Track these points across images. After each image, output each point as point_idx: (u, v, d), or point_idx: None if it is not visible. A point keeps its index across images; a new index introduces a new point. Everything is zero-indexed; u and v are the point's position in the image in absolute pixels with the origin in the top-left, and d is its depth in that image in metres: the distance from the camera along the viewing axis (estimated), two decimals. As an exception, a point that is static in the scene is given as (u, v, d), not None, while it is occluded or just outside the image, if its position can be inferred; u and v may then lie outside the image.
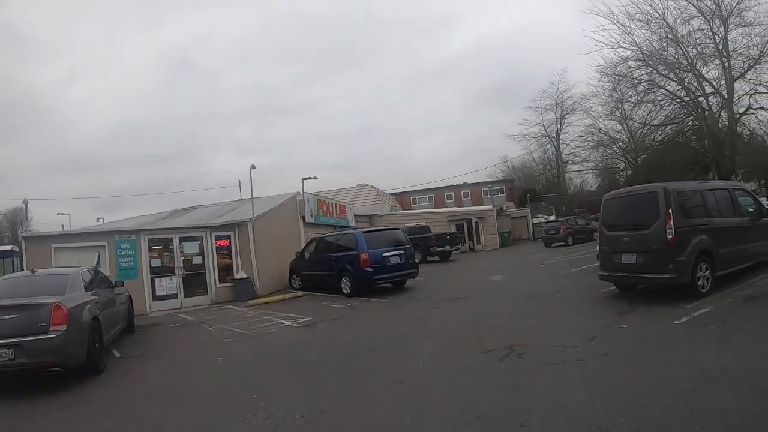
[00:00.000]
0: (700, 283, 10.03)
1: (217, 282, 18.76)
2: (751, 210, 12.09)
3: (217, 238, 19.10)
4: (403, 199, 66.38)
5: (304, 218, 24.45)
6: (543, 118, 63.97)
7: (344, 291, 16.38)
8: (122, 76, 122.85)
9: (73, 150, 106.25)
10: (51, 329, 7.83)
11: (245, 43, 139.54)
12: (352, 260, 16.13)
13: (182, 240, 18.62)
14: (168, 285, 17.92)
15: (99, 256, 17.25)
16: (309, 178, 25.04)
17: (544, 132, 64.59)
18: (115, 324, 11.19)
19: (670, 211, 9.93)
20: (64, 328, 7.92)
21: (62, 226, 33.93)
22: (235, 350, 10.00)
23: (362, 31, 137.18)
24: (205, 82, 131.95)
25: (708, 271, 10.19)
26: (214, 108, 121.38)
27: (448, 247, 30.59)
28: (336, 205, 29.89)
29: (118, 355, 10.53)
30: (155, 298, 17.70)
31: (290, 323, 12.26)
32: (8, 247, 28.53)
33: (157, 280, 17.80)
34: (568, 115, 62.45)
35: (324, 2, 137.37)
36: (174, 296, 17.98)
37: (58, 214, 36.66)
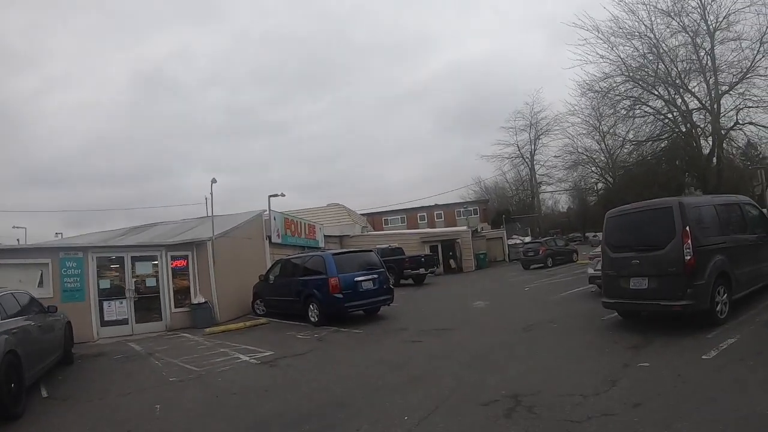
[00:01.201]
0: (718, 308, 9.05)
1: (173, 307, 17.18)
2: (758, 226, 11.18)
3: (174, 258, 17.56)
4: (374, 219, 65.21)
5: (270, 238, 22.94)
6: (517, 138, 64.18)
7: (311, 319, 15.00)
8: (97, 90, 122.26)
9: (42, 163, 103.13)
10: None
11: (220, 62, 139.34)
12: (320, 285, 14.74)
13: (135, 259, 17.05)
14: (118, 309, 16.33)
15: (42, 274, 15.69)
16: (276, 195, 23.71)
17: (518, 152, 64.74)
18: (46, 356, 9.78)
19: (687, 228, 8.87)
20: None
21: (17, 240, 32.14)
22: (178, 395, 8.52)
23: (336, 53, 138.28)
24: (179, 99, 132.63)
25: (725, 295, 9.22)
26: (187, 126, 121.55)
27: (422, 270, 29.28)
28: (305, 224, 28.36)
29: (44, 394, 9.14)
30: (104, 323, 16.13)
31: (248, 358, 10.86)
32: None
33: (105, 304, 16.21)
34: (542, 136, 62.79)
35: (299, 25, 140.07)
36: (124, 322, 16.38)
37: (14, 227, 34.32)
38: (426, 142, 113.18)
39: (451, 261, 38.27)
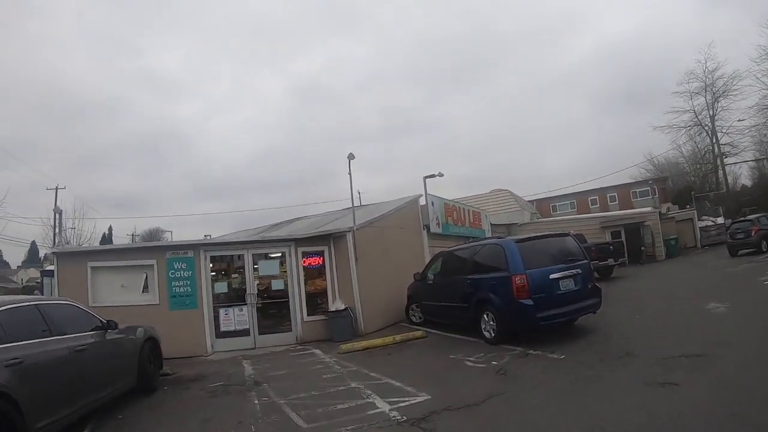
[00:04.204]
0: None
1: (305, 314, 13.56)
2: None
3: (306, 255, 13.96)
4: (541, 206, 58.67)
5: (428, 227, 18.64)
6: (693, 103, 53.76)
7: (485, 334, 10.47)
8: (258, 107, 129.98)
9: (213, 177, 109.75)
10: None
11: (372, 68, 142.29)
12: (499, 286, 10.17)
13: (257, 257, 13.74)
14: (237, 318, 13.08)
15: (147, 277, 12.95)
16: (432, 176, 19.26)
17: (696, 119, 54.38)
18: (91, 391, 6.89)
19: None
20: None
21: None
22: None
23: (483, 47, 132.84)
24: (336, 107, 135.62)
25: None
26: (346, 131, 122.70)
27: (611, 261, 23.36)
28: (469, 211, 23.64)
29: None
30: (219, 334, 13.00)
31: (388, 408, 6.57)
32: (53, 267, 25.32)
33: (222, 311, 13.10)
34: (720, 98, 52.25)
35: (443, 24, 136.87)
36: (245, 333, 13.10)
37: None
38: (584, 125, 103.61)
39: (642, 249, 31.82)
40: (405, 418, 6.06)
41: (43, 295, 13.75)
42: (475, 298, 10.79)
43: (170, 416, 7.37)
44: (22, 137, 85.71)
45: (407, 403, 6.65)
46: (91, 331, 7.48)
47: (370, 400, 6.99)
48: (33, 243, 59.71)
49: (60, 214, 16.16)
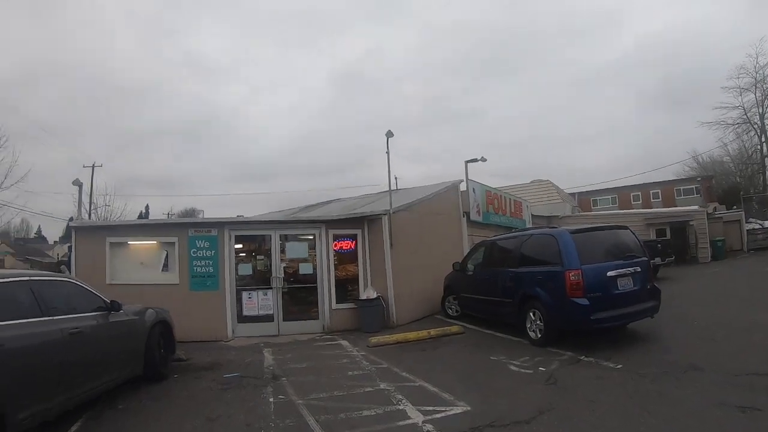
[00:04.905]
0: None
1: (334, 302, 12.62)
2: None
3: (337, 238, 12.99)
4: (581, 200, 56.80)
5: (468, 215, 17.48)
6: (743, 100, 50.68)
7: (531, 334, 9.39)
8: (298, 93, 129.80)
9: (252, 161, 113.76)
10: None
11: (412, 56, 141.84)
12: (549, 282, 9.07)
13: (285, 238, 12.82)
14: (261, 302, 12.25)
15: (167, 255, 12.19)
16: (474, 160, 18.15)
17: (745, 117, 51.38)
18: (90, 378, 6.23)
19: None
20: None
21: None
22: None
23: (524, 39, 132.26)
24: (376, 94, 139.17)
25: None
26: (385, 119, 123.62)
27: (659, 260, 22.14)
28: (510, 200, 22.17)
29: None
30: (241, 318, 12.20)
31: (421, 419, 5.57)
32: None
33: (245, 294, 12.27)
34: None
35: (485, 15, 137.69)
36: (268, 318, 12.25)
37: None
38: (625, 120, 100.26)
39: (688, 249, 30.00)
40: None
41: (69, 270, 13.05)
42: (521, 293, 9.70)
43: (173, 410, 6.53)
44: (66, 118, 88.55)
45: (443, 414, 5.66)
46: (92, 312, 6.69)
47: (401, 408, 6.01)
48: (70, 219, 60.33)
49: (80, 187, 15.42)
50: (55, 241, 74.79)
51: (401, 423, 5.49)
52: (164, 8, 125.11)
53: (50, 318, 5.75)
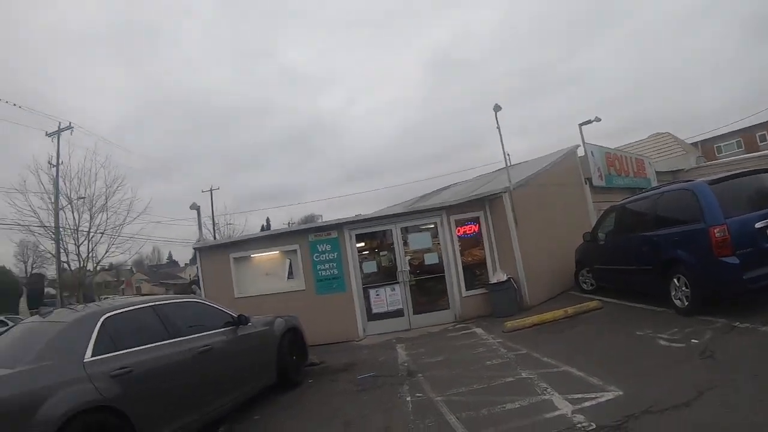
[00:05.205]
0: None
1: (463, 289, 12.17)
2: None
3: (460, 224, 12.51)
4: (704, 149, 51.69)
5: (590, 181, 16.41)
6: None
7: (676, 302, 8.44)
8: (397, 88, 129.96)
9: (361, 159, 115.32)
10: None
11: (500, 32, 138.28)
12: (691, 242, 8.08)
13: (406, 231, 12.58)
14: (389, 298, 12.10)
15: (290, 263, 12.36)
16: (589, 122, 16.97)
17: None
18: (218, 395, 6.30)
19: None
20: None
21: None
22: None
23: None
24: (469, 75, 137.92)
25: None
26: (483, 97, 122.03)
27: None
28: (631, 159, 20.45)
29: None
30: (371, 316, 12.11)
31: (570, 409, 5.08)
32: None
33: (372, 292, 12.16)
34: None
35: None
36: (398, 313, 12.06)
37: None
38: (739, 54, 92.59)
39: None
40: (594, 426, 4.55)
41: (200, 288, 13.49)
42: (661, 258, 8.75)
43: (309, 417, 6.49)
44: (180, 150, 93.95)
45: (593, 402, 5.14)
46: (220, 328, 6.83)
47: (546, 397, 5.55)
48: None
49: (198, 210, 15.94)
50: (186, 264, 79.73)
51: (549, 415, 5.02)
52: (250, 30, 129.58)
53: (177, 339, 5.92)
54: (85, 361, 4.88)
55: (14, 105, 27.49)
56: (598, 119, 17.15)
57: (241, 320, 7.18)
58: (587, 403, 5.16)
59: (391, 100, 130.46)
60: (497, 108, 12.89)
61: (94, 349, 5.03)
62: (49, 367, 4.66)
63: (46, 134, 29.16)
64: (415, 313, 12.08)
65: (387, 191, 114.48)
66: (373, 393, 7.06)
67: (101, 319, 5.34)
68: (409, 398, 6.48)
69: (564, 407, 5.16)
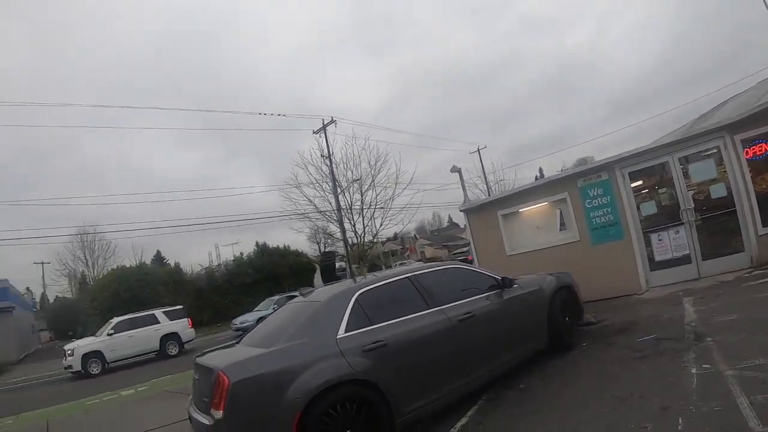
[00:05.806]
0: None
1: (759, 225, 10.13)
2: None
3: (747, 144, 10.38)
4: None
5: None
6: None
7: None
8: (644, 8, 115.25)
9: (625, 91, 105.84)
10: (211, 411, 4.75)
11: None
12: None
13: (685, 161, 10.98)
14: (673, 242, 10.83)
15: (561, 213, 11.91)
16: None
17: None
18: (468, 368, 6.09)
19: None
20: (220, 415, 4.61)
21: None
22: None
23: None
24: None
25: None
26: None
27: None
28: None
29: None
30: (654, 265, 10.99)
31: None
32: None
33: (654, 237, 11.01)
34: None
35: None
36: (685, 260, 10.71)
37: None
38: None
39: None
40: None
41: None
42: None
43: (577, 389, 5.99)
44: (445, 119, 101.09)
45: None
46: (482, 294, 6.74)
47: None
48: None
49: (459, 172, 16.02)
50: (464, 225, 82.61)
51: None
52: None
53: (435, 309, 6.00)
54: (338, 337, 5.25)
55: (279, 115, 32.21)
56: None
57: (505, 283, 7.03)
58: None
59: (643, 19, 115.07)
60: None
61: (347, 325, 5.39)
62: (303, 345, 5.12)
63: (313, 132, 33.82)
64: (704, 258, 10.59)
65: (663, 118, 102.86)
66: (653, 361, 6.28)
67: (354, 296, 5.67)
68: (694, 370, 5.56)
69: None
